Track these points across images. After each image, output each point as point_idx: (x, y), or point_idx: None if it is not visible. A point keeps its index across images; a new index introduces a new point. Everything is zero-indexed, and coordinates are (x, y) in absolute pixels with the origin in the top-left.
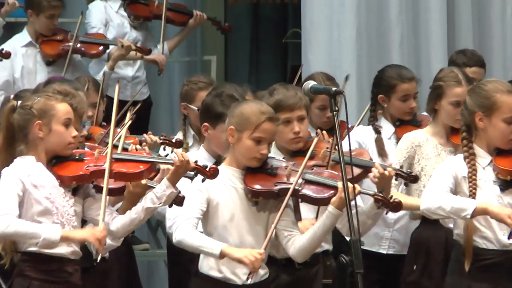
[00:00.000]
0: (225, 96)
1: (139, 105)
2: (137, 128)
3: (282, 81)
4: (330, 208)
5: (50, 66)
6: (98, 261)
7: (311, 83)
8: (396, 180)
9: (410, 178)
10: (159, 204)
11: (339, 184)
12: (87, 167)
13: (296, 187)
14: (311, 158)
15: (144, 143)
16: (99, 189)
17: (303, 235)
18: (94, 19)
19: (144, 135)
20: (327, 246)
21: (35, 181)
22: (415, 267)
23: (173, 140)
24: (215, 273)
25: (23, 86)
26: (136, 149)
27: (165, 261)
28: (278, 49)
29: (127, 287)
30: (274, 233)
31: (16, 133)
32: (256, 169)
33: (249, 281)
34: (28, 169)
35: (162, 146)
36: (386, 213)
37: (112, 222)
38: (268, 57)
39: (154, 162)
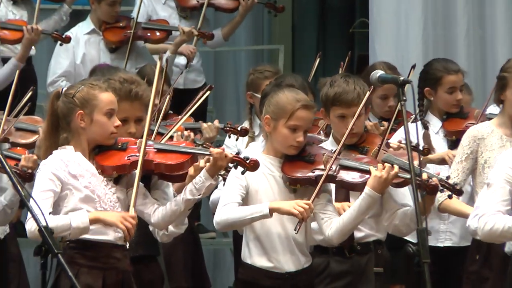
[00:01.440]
0: (285, 86)
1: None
2: (194, 117)
3: (348, 71)
4: (367, 189)
5: (113, 53)
6: (127, 246)
7: (379, 72)
8: (441, 191)
9: (454, 191)
10: (198, 195)
11: (372, 168)
12: (128, 157)
13: (332, 173)
14: (363, 154)
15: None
16: (162, 176)
17: (339, 217)
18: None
19: (202, 123)
20: (379, 235)
21: (74, 171)
22: (477, 257)
23: (238, 128)
24: (260, 262)
25: (85, 74)
26: (183, 137)
27: (231, 250)
28: (345, 38)
29: (193, 275)
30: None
31: (60, 120)
32: (294, 157)
33: (296, 231)
34: (66, 160)
35: (227, 134)
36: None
37: (153, 214)
38: (335, 47)
39: (195, 153)
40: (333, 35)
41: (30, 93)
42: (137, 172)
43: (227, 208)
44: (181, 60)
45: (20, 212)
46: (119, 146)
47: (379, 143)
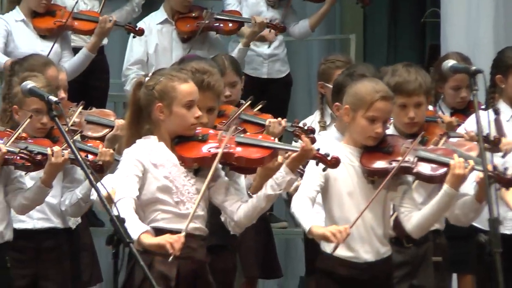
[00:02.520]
0: (357, 76)
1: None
2: (275, 108)
3: (420, 61)
4: (445, 187)
5: (185, 43)
6: (170, 259)
7: (451, 62)
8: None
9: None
10: (279, 190)
11: (451, 161)
12: (209, 149)
13: (410, 165)
14: (423, 144)
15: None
16: (234, 168)
17: (419, 211)
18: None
19: (269, 120)
20: (437, 225)
21: (155, 160)
22: None
23: (305, 128)
24: (338, 252)
25: (158, 63)
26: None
27: (303, 239)
28: (417, 28)
29: (264, 265)
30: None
31: (142, 110)
32: (373, 148)
33: (334, 253)
34: (149, 148)
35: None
36: (498, 189)
37: (236, 212)
38: (406, 36)
39: (277, 148)
40: (404, 25)
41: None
42: (214, 164)
43: (298, 201)
44: (264, 50)
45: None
46: (200, 138)
47: (440, 133)
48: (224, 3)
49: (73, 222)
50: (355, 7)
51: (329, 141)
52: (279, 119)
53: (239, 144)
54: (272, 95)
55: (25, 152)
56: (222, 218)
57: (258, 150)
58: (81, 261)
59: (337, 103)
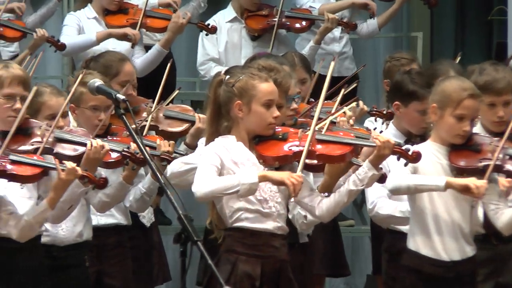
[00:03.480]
0: (415, 74)
1: (354, 85)
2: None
3: (487, 58)
4: None
5: (255, 41)
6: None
7: None
8: None
9: None
10: (362, 186)
11: None
12: (290, 147)
13: (499, 163)
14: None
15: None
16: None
17: (509, 209)
18: None
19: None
20: None
21: (235, 159)
22: None
23: (384, 112)
24: (424, 250)
25: (227, 61)
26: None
27: (370, 237)
28: (483, 26)
29: (332, 263)
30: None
31: (222, 108)
32: (461, 146)
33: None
34: (228, 147)
35: (373, 118)
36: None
37: (318, 206)
38: (473, 34)
39: (357, 144)
40: (471, 22)
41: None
42: (301, 162)
43: (403, 175)
44: (334, 47)
45: (159, 199)
46: (280, 136)
47: None
48: (302, 2)
49: (147, 220)
50: (422, 6)
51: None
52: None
53: (320, 141)
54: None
55: (127, 151)
56: (290, 216)
57: (339, 147)
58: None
59: (396, 102)
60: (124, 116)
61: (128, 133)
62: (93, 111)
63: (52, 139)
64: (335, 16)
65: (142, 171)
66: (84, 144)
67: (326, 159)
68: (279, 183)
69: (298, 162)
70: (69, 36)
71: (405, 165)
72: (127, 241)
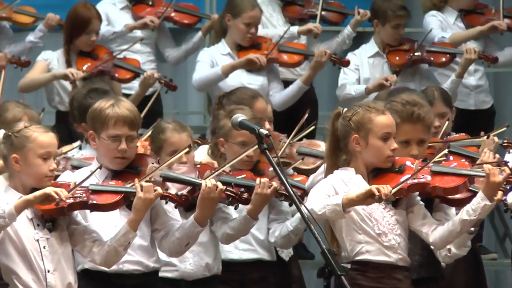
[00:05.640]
0: None
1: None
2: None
3: None
4: None
5: (397, 76)
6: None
7: None
8: None
9: None
10: (474, 216)
11: None
12: (405, 180)
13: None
14: None
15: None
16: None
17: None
18: (431, 26)
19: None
20: None
21: (352, 192)
22: None
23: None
24: None
25: (369, 96)
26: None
27: None
28: None
29: None
30: None
31: (340, 141)
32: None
33: None
34: (346, 180)
35: (507, 150)
36: None
37: (431, 233)
38: None
39: (472, 175)
40: None
41: (306, 116)
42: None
43: None
44: (470, 81)
45: (302, 235)
46: (396, 169)
47: None
48: (432, 35)
49: (286, 254)
50: None
51: None
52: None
53: (435, 173)
54: (478, 126)
55: (231, 190)
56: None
57: (453, 179)
58: None
59: None
60: (267, 151)
61: (272, 169)
62: (241, 147)
63: (159, 178)
64: (475, 47)
65: (286, 208)
66: (189, 183)
67: (442, 191)
68: (365, 197)
69: (415, 195)
70: (201, 73)
71: None
72: (270, 276)
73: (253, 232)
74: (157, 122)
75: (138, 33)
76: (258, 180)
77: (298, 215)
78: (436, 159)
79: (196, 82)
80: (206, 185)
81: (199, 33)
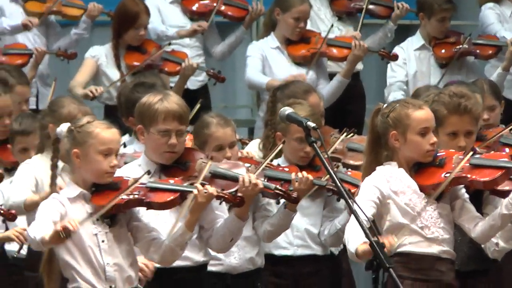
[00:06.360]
0: None
1: None
2: None
3: None
4: None
5: (443, 68)
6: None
7: None
8: None
9: None
10: None
11: None
12: (445, 174)
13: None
14: None
15: None
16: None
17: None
18: (491, 20)
19: None
20: None
21: (395, 187)
22: None
23: None
24: None
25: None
26: None
27: None
28: None
29: None
30: None
31: (381, 138)
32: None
33: None
34: (389, 176)
35: None
36: None
37: (473, 229)
38: None
39: (510, 167)
40: None
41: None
42: (439, 188)
43: None
44: None
45: None
46: (437, 163)
47: None
48: (484, 26)
49: (336, 247)
50: None
51: None
52: None
53: (474, 166)
54: None
55: (280, 189)
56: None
57: (491, 172)
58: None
59: None
60: (314, 144)
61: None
62: (299, 143)
63: (209, 175)
64: None
65: (340, 205)
66: (237, 179)
67: (482, 184)
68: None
69: (459, 188)
70: (252, 69)
71: None
72: (324, 269)
73: (307, 227)
74: (200, 117)
75: (187, 26)
76: (293, 174)
77: (345, 213)
78: (466, 157)
79: (247, 82)
80: (245, 180)
81: (242, 27)
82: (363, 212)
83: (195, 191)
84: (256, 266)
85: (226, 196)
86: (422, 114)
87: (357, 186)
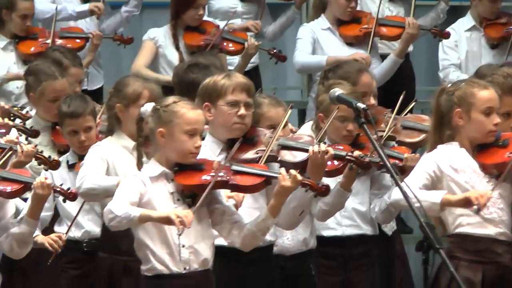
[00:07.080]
0: None
1: None
2: None
3: None
4: None
5: (494, 49)
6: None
7: None
8: None
9: None
10: None
11: None
12: (509, 154)
13: None
14: None
15: None
16: None
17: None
18: None
19: None
20: None
21: (456, 165)
22: None
23: None
24: None
25: (467, 70)
26: None
27: None
28: None
29: None
30: None
31: (444, 117)
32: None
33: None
34: (449, 154)
35: None
36: None
37: None
38: None
39: None
40: None
41: (403, 93)
42: (505, 171)
43: None
44: None
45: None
46: (500, 143)
47: None
48: None
49: (389, 228)
50: None
51: None
52: None
53: None
54: None
55: (351, 155)
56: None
57: None
58: (396, 268)
59: None
60: (365, 125)
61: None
62: (341, 122)
63: (277, 147)
64: None
65: (388, 182)
66: (305, 150)
67: None
68: (463, 203)
69: None
70: (303, 52)
71: None
72: (373, 249)
73: (355, 207)
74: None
75: (239, 7)
76: (356, 153)
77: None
78: None
79: (298, 65)
80: (313, 150)
81: (293, 7)
82: (410, 189)
83: (282, 176)
84: (309, 247)
85: (311, 184)
86: (488, 94)
87: (401, 159)
